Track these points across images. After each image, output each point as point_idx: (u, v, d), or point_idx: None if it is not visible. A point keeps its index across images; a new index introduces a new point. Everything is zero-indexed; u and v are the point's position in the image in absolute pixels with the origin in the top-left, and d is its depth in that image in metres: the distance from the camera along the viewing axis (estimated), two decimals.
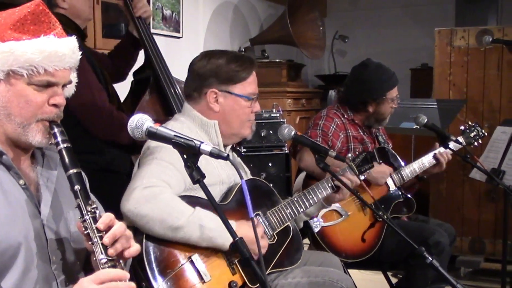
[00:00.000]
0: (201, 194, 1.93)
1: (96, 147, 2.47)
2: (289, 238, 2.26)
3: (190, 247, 1.93)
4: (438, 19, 5.88)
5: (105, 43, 3.83)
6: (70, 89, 1.59)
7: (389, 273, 3.40)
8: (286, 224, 2.25)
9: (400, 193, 3.09)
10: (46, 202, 1.52)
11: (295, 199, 2.31)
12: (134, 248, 1.47)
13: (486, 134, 3.36)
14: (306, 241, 2.76)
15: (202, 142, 1.55)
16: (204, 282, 1.92)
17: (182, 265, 1.92)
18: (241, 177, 1.52)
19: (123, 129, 2.31)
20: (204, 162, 1.68)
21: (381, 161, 2.96)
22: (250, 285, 2.01)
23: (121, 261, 1.43)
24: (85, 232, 1.41)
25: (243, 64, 2.19)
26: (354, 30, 6.56)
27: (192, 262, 1.93)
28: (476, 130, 3.29)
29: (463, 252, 4.35)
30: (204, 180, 1.56)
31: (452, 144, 3.02)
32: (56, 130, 1.48)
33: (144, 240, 1.89)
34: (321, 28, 5.59)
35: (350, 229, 2.89)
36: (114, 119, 2.45)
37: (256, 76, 2.26)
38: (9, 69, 1.43)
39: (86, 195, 1.44)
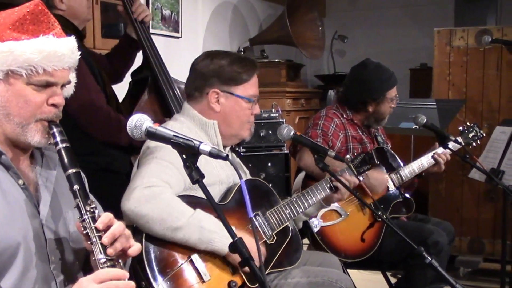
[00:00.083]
0: (200, 194, 1.93)
1: (95, 148, 2.47)
2: (288, 238, 2.26)
3: (189, 246, 1.93)
4: (438, 19, 5.88)
5: (104, 43, 3.83)
6: (69, 89, 1.59)
7: (388, 273, 3.40)
8: (285, 224, 2.25)
9: (399, 193, 3.09)
10: (45, 202, 1.51)
11: (294, 199, 2.32)
12: (135, 248, 1.47)
13: (484, 135, 3.37)
14: (306, 241, 2.76)
15: (201, 142, 1.55)
16: (203, 281, 1.92)
17: (181, 264, 1.92)
18: (240, 177, 1.52)
19: (121, 130, 2.32)
20: (203, 162, 1.68)
21: (378, 161, 2.96)
22: (249, 285, 2.01)
23: (120, 260, 1.43)
24: (84, 232, 1.41)
25: (246, 66, 2.20)
26: (353, 30, 6.56)
27: (191, 262, 1.93)
28: (474, 131, 3.30)
29: (462, 252, 4.35)
30: (204, 180, 1.56)
31: (451, 144, 3.02)
32: (55, 130, 1.48)
33: (143, 240, 1.90)
34: (320, 28, 5.58)
35: (350, 229, 2.89)
36: (112, 120, 2.45)
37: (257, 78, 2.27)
38: (8, 69, 1.43)
39: (85, 195, 1.44)
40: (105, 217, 1.42)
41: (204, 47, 4.96)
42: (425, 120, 3.01)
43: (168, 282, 1.88)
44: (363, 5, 6.65)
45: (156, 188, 1.90)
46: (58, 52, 1.46)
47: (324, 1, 6.74)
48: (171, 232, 1.88)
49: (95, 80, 2.47)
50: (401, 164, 3.13)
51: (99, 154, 2.49)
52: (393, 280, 3.41)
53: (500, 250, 3.52)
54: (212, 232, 1.92)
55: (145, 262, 1.87)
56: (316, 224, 2.76)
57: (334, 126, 3.04)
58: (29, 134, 1.47)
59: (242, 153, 3.85)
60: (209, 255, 1.96)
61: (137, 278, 1.87)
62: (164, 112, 2.68)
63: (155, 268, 1.88)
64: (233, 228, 1.93)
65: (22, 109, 1.46)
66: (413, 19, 6.31)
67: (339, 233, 2.86)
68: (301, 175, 2.93)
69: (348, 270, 2.63)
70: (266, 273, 2.12)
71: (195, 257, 1.94)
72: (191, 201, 1.97)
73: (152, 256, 1.89)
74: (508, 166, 3.23)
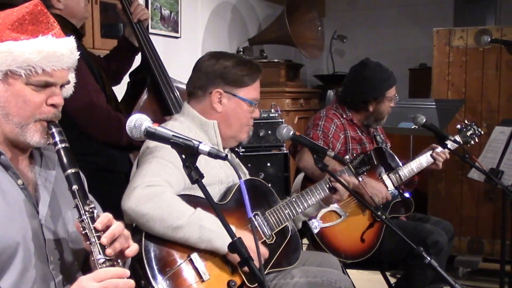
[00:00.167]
0: (200, 193, 1.93)
1: (94, 148, 2.47)
2: (288, 238, 2.27)
3: (189, 246, 1.93)
4: (437, 19, 5.88)
5: (104, 43, 3.82)
6: (68, 89, 1.59)
7: (387, 273, 3.40)
8: (284, 224, 2.25)
9: (398, 193, 3.09)
10: (44, 202, 1.51)
11: (294, 199, 2.32)
12: (132, 248, 1.47)
13: (482, 132, 3.37)
14: (305, 241, 2.76)
15: (200, 142, 1.55)
16: (203, 281, 1.92)
17: (181, 263, 1.92)
18: (240, 177, 1.52)
19: (121, 130, 2.32)
20: (203, 162, 1.68)
21: (377, 162, 2.97)
22: (248, 285, 2.01)
23: (119, 260, 1.43)
24: (83, 232, 1.40)
25: (251, 70, 2.22)
26: (352, 30, 6.56)
27: (191, 261, 1.93)
28: (472, 129, 3.30)
29: (462, 252, 4.35)
30: (203, 180, 1.56)
31: (450, 144, 3.02)
32: (54, 130, 1.48)
33: (143, 239, 1.90)
34: (319, 28, 5.58)
35: (349, 230, 2.89)
36: (112, 120, 2.45)
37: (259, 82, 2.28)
38: (7, 69, 1.43)
39: (84, 195, 1.44)
40: (104, 217, 1.42)
41: (203, 47, 4.96)
42: (424, 120, 3.01)
43: (168, 281, 1.88)
44: (363, 5, 6.65)
45: (157, 187, 1.90)
46: (57, 52, 1.46)
47: (323, 1, 6.73)
48: (172, 231, 1.88)
49: (95, 79, 2.47)
50: (400, 164, 3.13)
51: (98, 154, 2.48)
52: (392, 280, 3.41)
53: (499, 250, 3.53)
54: (212, 231, 1.92)
55: (145, 261, 1.87)
56: (316, 225, 2.76)
57: (334, 127, 3.04)
58: (28, 134, 1.47)
59: (241, 153, 3.85)
60: (208, 254, 1.97)
61: (136, 277, 1.86)
62: (163, 112, 2.68)
63: (155, 267, 1.88)
64: (233, 227, 1.94)
65: (21, 109, 1.46)
66: (413, 19, 6.31)
67: (339, 234, 2.86)
68: (301, 176, 2.93)
69: (348, 270, 2.63)
70: (265, 273, 2.12)
71: (195, 256, 1.94)
72: (191, 201, 1.97)
73: (152, 255, 1.89)
74: (507, 166, 3.23)
